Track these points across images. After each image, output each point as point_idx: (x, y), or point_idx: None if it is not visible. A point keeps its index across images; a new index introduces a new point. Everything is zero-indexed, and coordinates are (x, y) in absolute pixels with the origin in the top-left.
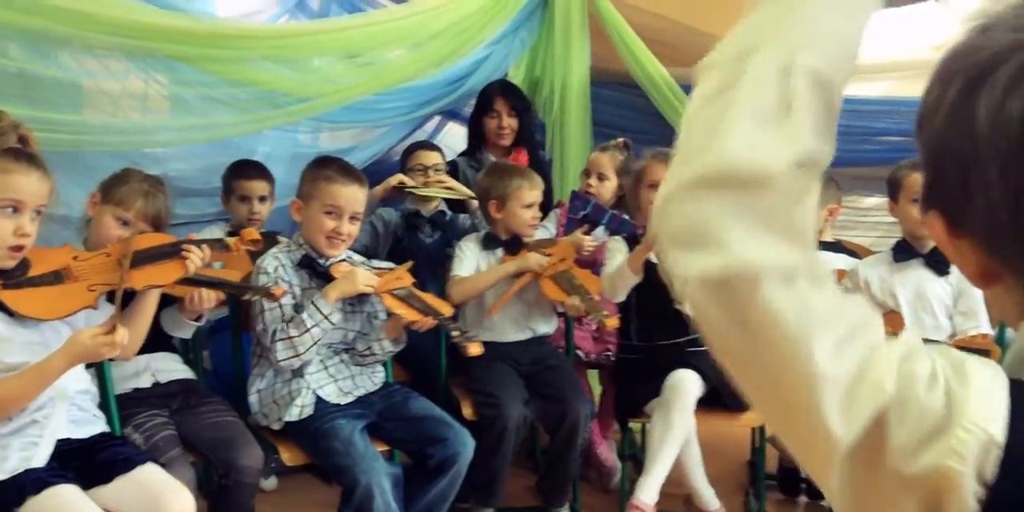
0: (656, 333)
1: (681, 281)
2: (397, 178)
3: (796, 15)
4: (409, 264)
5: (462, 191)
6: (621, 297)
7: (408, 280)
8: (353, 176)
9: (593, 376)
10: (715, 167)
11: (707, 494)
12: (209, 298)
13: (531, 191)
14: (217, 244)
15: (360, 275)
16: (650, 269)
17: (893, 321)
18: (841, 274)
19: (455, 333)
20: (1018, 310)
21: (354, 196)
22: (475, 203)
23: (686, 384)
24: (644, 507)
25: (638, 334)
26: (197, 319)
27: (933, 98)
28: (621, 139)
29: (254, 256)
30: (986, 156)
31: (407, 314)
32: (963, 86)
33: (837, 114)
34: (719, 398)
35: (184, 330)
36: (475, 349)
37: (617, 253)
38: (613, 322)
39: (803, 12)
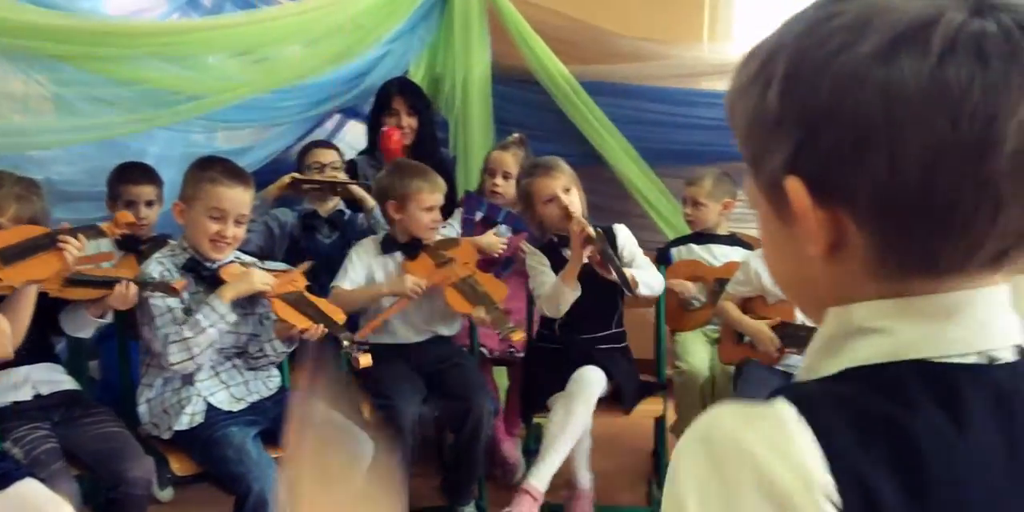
0: (578, 326)
1: None
2: (290, 176)
3: None
4: (305, 266)
5: (358, 192)
6: (561, 313)
7: (302, 283)
8: (238, 177)
9: (502, 373)
10: None
11: (584, 476)
12: (133, 295)
13: (431, 194)
14: (91, 230)
15: (257, 274)
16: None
17: (784, 311)
18: (735, 266)
19: (345, 342)
20: (849, 286)
21: (239, 198)
22: (370, 203)
23: (591, 379)
24: (534, 493)
25: (561, 325)
26: (101, 316)
27: (810, 59)
28: (517, 135)
29: (141, 260)
30: (908, 120)
31: (297, 321)
32: (877, 50)
33: None
34: (620, 398)
35: (86, 329)
36: (364, 360)
37: (542, 268)
38: (519, 335)
39: None
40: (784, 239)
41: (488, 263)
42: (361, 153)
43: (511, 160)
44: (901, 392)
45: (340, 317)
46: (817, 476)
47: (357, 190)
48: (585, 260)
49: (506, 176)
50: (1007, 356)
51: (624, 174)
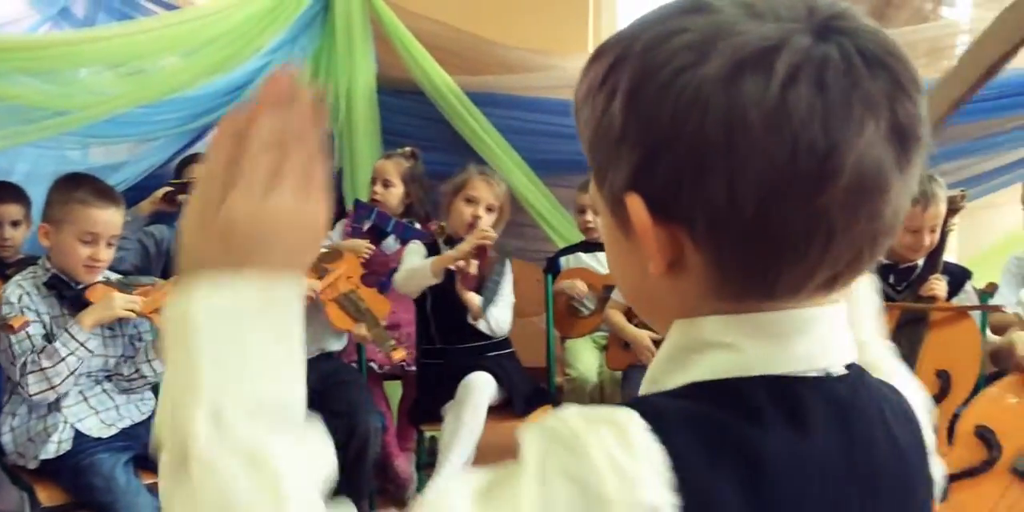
0: (459, 335)
1: None
2: (163, 190)
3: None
4: (176, 278)
5: None
6: (412, 293)
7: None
8: (109, 198)
9: (396, 387)
10: None
11: None
12: None
13: None
14: None
15: (117, 299)
16: (450, 277)
17: None
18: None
19: None
20: (692, 304)
21: (111, 220)
22: None
23: (478, 384)
24: None
25: (439, 335)
26: None
27: (655, 77)
28: (408, 148)
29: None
30: (744, 146)
31: None
32: (721, 73)
33: None
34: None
35: None
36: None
37: (415, 255)
38: (400, 354)
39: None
40: (627, 251)
41: (374, 274)
42: None
43: (392, 168)
44: (750, 408)
45: None
46: (647, 494)
47: None
48: (457, 266)
49: (386, 184)
50: (839, 371)
51: (513, 184)
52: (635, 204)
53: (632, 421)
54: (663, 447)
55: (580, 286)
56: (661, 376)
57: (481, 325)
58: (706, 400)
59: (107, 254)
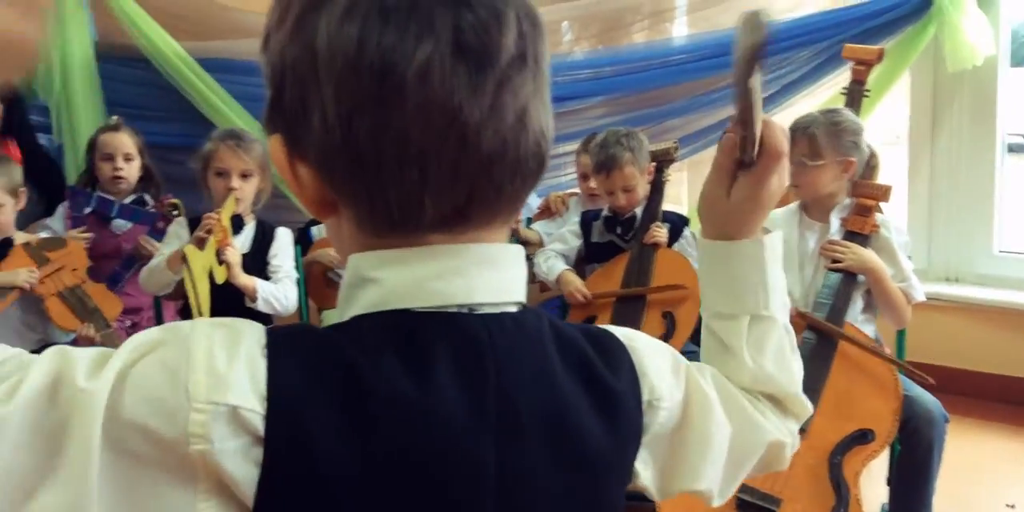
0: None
1: None
2: None
3: None
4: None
5: None
6: (160, 291)
7: None
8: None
9: None
10: None
11: None
12: None
13: None
14: None
15: (21, 273)
16: None
17: None
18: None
19: None
20: (351, 242)
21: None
22: None
23: None
24: None
25: None
26: None
27: (276, 17)
28: (115, 117)
29: None
30: (324, 75)
31: None
32: (303, 8)
33: None
34: None
35: None
36: None
37: (174, 238)
38: None
39: None
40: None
41: (106, 259)
42: None
43: (129, 141)
44: (371, 342)
45: None
46: (230, 396)
47: None
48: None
49: (127, 158)
50: (491, 310)
51: None
52: (274, 144)
53: (253, 335)
54: (267, 362)
55: (333, 254)
56: (341, 313)
57: (260, 305)
58: (344, 332)
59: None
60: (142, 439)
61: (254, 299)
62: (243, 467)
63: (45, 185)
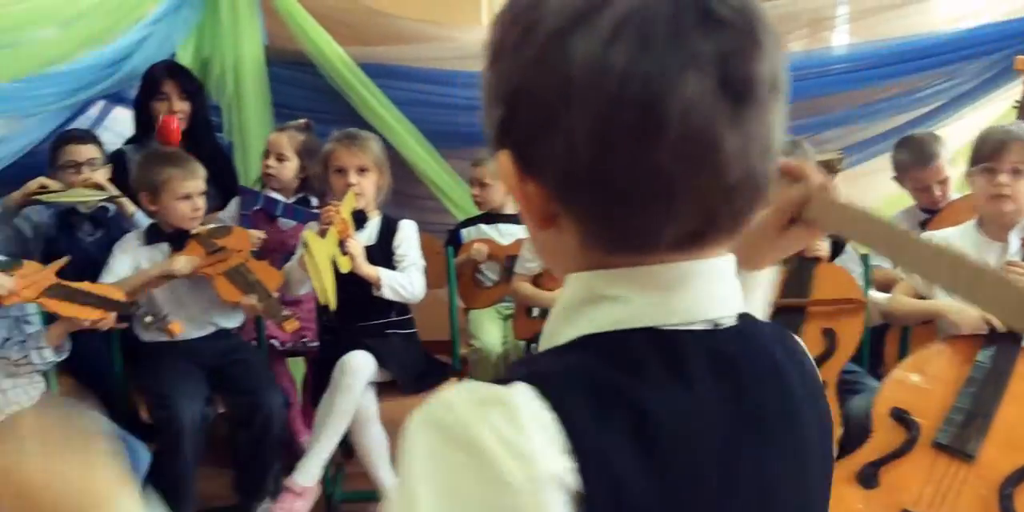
0: (355, 313)
1: None
2: (38, 182)
3: None
4: (60, 263)
5: (112, 190)
6: (296, 292)
7: (50, 278)
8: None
9: (300, 363)
10: None
11: (385, 478)
12: None
13: (185, 181)
14: None
15: None
16: None
17: None
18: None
19: (148, 318)
20: (575, 256)
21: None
22: (129, 210)
23: (353, 365)
24: (296, 488)
25: (339, 314)
26: None
27: (515, 34)
28: (303, 120)
29: None
30: (577, 101)
31: (79, 313)
32: (556, 29)
33: None
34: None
35: None
36: (177, 328)
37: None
38: (293, 324)
39: None
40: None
41: (272, 253)
42: (129, 142)
43: (286, 142)
44: (632, 360)
45: (119, 294)
46: (545, 466)
47: (111, 190)
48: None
49: (280, 158)
50: (729, 322)
51: (410, 157)
52: (503, 160)
53: (519, 394)
54: (553, 413)
55: (484, 249)
56: (556, 330)
57: (386, 293)
58: (591, 353)
59: None
60: None
61: (379, 288)
62: None
63: (220, 181)
